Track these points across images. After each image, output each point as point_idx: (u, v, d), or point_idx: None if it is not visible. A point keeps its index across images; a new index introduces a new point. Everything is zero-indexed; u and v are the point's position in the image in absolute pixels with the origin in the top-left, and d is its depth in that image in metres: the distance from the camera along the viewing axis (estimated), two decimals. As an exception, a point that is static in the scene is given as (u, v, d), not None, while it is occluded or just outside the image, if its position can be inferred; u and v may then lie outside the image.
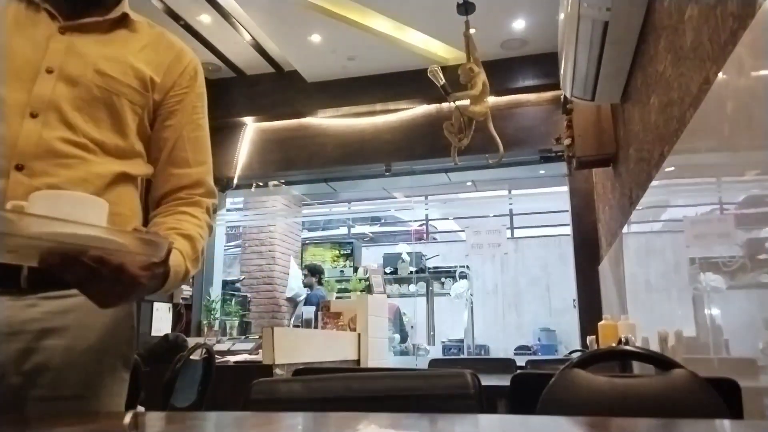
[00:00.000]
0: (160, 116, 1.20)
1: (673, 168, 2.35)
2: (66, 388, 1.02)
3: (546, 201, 8.22)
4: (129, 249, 0.88)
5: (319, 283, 6.62)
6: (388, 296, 6.67)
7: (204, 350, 3.14)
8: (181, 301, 5.75)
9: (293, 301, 7.50)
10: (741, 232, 1.61)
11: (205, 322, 5.91)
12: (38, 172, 1.02)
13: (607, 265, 4.53)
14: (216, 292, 6.28)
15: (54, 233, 0.79)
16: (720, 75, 1.66)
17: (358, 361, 4.82)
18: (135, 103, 1.16)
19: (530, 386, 1.35)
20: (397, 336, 7.08)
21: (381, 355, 5.24)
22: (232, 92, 6.08)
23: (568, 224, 5.93)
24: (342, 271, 7.87)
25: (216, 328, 5.86)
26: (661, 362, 1.16)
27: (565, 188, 5.73)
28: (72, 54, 1.11)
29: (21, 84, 1.06)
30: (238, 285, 7.44)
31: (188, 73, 1.25)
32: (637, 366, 2.45)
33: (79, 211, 0.85)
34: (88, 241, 0.83)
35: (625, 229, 3.58)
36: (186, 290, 5.80)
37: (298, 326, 5.77)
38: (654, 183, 2.65)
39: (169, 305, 5.67)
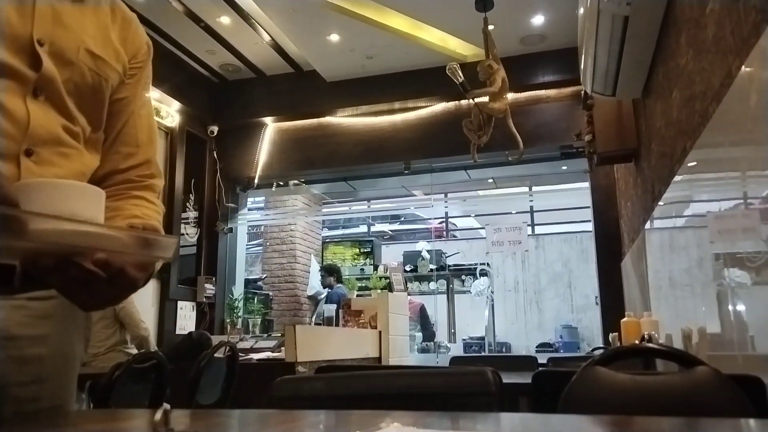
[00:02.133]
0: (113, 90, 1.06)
1: (696, 163, 2.32)
2: (50, 399, 0.96)
3: (567, 197, 8.16)
4: (136, 250, 0.79)
5: (339, 281, 6.64)
6: (409, 294, 6.68)
7: (227, 348, 3.17)
8: (204, 299, 5.82)
9: (314, 299, 7.54)
10: (767, 226, 1.58)
11: (228, 320, 5.98)
12: (45, 161, 0.91)
13: (630, 262, 4.49)
14: (239, 290, 6.34)
15: (55, 231, 0.67)
16: (743, 68, 1.64)
17: (379, 359, 4.83)
18: (113, 88, 1.04)
19: (552, 384, 1.35)
20: (419, 334, 7.06)
21: (402, 353, 5.25)
22: (252, 93, 6.13)
23: (589, 220, 5.88)
24: (362, 269, 7.89)
25: (239, 326, 5.92)
26: (684, 359, 1.16)
27: (587, 184, 5.68)
28: (59, 25, 0.94)
29: (16, 54, 0.89)
30: (260, 283, 7.50)
31: (145, 47, 1.12)
32: (660, 364, 2.43)
33: (78, 204, 0.74)
34: (93, 241, 0.73)
35: (647, 225, 3.54)
36: (209, 289, 5.87)
37: (319, 324, 5.80)
38: (677, 178, 2.62)
39: (193, 304, 5.74)
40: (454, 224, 11.08)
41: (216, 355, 3.04)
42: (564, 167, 6.08)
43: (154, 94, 5.38)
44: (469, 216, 10.73)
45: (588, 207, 5.69)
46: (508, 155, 4.63)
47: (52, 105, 0.93)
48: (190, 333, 4.43)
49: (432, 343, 7.11)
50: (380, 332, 4.94)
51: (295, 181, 6.70)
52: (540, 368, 2.64)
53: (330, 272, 6.71)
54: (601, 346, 4.85)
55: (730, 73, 1.77)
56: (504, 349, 7.88)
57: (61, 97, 0.94)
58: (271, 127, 6.26)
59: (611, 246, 5.19)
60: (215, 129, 6.17)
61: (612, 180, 5.39)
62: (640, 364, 2.41)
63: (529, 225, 9.20)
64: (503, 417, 1.01)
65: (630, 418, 0.83)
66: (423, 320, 7.29)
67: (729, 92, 1.77)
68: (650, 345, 2.02)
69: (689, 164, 2.38)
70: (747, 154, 1.75)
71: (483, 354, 6.87)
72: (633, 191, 4.23)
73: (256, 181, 6.23)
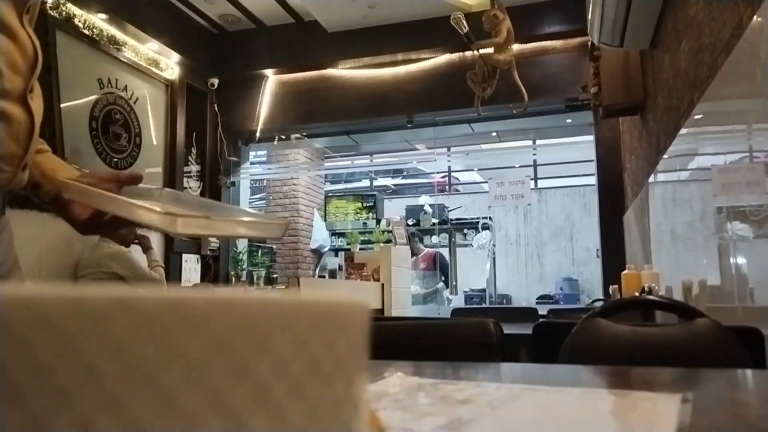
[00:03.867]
0: None
1: (702, 116, 2.29)
2: None
3: (571, 151, 8.10)
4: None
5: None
6: (425, 247, 6.73)
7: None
8: (209, 252, 5.86)
9: (318, 253, 7.60)
10: (771, 180, 1.58)
11: (233, 273, 6.04)
12: (35, 97, 0.86)
13: (632, 215, 4.50)
14: (243, 243, 6.38)
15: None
16: (754, 18, 1.60)
17: (381, 311, 4.90)
18: None
19: (552, 335, 1.37)
20: (441, 284, 7.01)
21: (404, 305, 5.33)
22: (252, 44, 6.03)
23: (593, 174, 5.86)
24: (365, 224, 7.92)
25: (244, 278, 5.99)
26: (685, 311, 1.17)
27: (591, 138, 5.64)
28: None
29: None
30: (263, 237, 7.53)
31: None
32: (659, 316, 2.46)
33: None
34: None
35: (651, 179, 3.53)
36: (213, 242, 5.91)
37: (322, 277, 5.86)
38: (683, 131, 2.59)
39: (198, 257, 5.79)
40: (457, 178, 11.06)
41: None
42: (569, 120, 6.02)
43: (153, 46, 5.30)
44: (472, 170, 10.69)
45: (592, 160, 5.66)
46: (512, 108, 4.57)
47: (32, 23, 0.83)
48: (195, 285, 4.50)
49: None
50: (383, 285, 4.99)
51: (297, 135, 6.65)
52: (541, 320, 2.68)
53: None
54: (601, 298, 4.91)
55: (741, 23, 1.73)
56: (504, 301, 7.98)
57: (36, 10, 0.84)
58: (272, 80, 6.17)
59: (614, 199, 5.18)
60: (215, 81, 6.09)
61: (617, 133, 5.34)
62: (640, 316, 2.44)
63: (532, 179, 9.18)
64: (504, 367, 1.03)
65: (629, 369, 0.84)
66: (442, 270, 7.23)
67: (739, 43, 1.73)
68: (652, 297, 2.05)
69: (696, 117, 2.35)
70: (754, 107, 1.73)
71: (484, 305, 6.96)
72: (638, 144, 4.20)
73: (257, 134, 6.19)
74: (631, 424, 0.47)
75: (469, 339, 1.30)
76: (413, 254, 6.75)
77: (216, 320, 0.14)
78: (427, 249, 6.97)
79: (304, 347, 0.15)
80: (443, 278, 7.12)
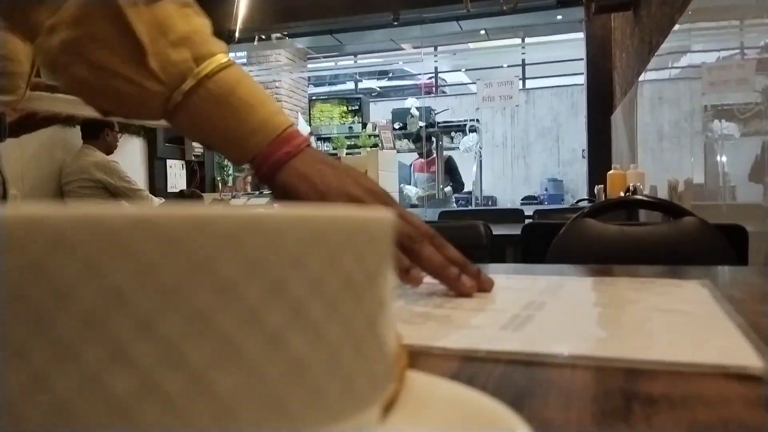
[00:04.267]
0: None
1: (696, 10, 2.23)
2: None
3: (560, 49, 7.93)
4: None
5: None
6: (398, 152, 6.68)
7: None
8: (193, 158, 5.80)
9: (303, 157, 7.54)
10: (761, 77, 1.56)
11: (218, 178, 6.01)
12: None
13: (620, 115, 4.48)
14: (227, 149, 6.30)
15: None
16: None
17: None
18: None
19: (541, 236, 1.40)
20: (448, 189, 6.96)
21: (392, 208, 5.38)
22: (227, -65, 5.67)
23: (581, 73, 5.77)
24: (351, 128, 7.82)
25: (230, 184, 5.97)
26: (672, 210, 1.19)
27: (581, 35, 5.50)
28: None
29: None
30: (248, 142, 7.43)
31: None
32: (643, 215, 2.51)
33: None
34: None
35: (641, 77, 3.48)
36: (197, 147, 5.83)
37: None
38: (676, 28, 2.53)
39: (182, 162, 5.73)
40: (444, 80, 10.84)
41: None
42: (559, 17, 5.86)
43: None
44: (459, 71, 10.47)
45: (581, 59, 5.55)
46: (502, 4, 4.41)
47: None
48: (182, 191, 4.49)
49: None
50: (370, 189, 5.02)
51: (278, 35, 6.41)
52: (527, 220, 2.72)
53: None
54: (586, 197, 4.99)
55: None
56: (490, 203, 8.08)
57: None
58: (250, -25, 5.86)
59: (602, 99, 5.14)
60: (190, -22, 5.77)
61: (608, 30, 5.21)
62: (623, 215, 2.49)
63: (520, 79, 9.03)
64: (492, 267, 1.05)
65: (614, 267, 0.86)
66: (451, 173, 7.13)
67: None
68: (640, 197, 2.07)
69: (690, 12, 2.29)
70: (750, 2, 1.68)
71: (470, 208, 7.04)
72: (629, 42, 4.11)
73: (236, 34, 5.95)
74: (678, 300, 0.50)
75: (461, 241, 1.32)
76: (423, 156, 6.63)
77: (247, 238, 0.13)
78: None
79: (338, 263, 0.15)
80: (451, 183, 7.03)
